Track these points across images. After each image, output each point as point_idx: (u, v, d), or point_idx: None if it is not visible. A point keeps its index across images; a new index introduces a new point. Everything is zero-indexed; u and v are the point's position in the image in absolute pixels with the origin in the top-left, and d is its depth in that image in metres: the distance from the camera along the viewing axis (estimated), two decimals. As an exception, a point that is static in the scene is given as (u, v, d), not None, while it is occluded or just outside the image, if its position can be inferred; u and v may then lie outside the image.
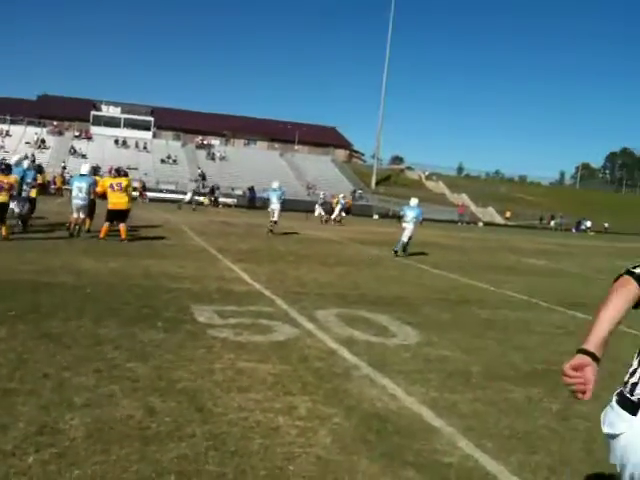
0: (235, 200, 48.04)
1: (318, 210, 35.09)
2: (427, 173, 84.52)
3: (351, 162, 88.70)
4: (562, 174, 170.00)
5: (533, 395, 5.10)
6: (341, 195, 37.05)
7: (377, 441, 3.85)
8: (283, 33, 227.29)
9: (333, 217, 32.67)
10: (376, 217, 48.22)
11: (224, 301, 7.89)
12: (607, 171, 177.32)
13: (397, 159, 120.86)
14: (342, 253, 16.01)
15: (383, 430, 4.03)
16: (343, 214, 33.62)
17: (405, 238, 16.57)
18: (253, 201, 46.24)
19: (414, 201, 17.74)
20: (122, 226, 13.93)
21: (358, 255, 15.91)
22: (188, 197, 39.04)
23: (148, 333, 5.95)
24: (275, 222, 20.47)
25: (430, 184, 79.25)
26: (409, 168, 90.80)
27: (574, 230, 58.68)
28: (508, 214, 63.04)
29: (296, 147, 78.55)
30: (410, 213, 16.97)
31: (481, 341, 6.93)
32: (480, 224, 53.77)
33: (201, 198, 41.57)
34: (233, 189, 51.72)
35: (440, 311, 8.60)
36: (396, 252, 16.36)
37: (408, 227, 16.71)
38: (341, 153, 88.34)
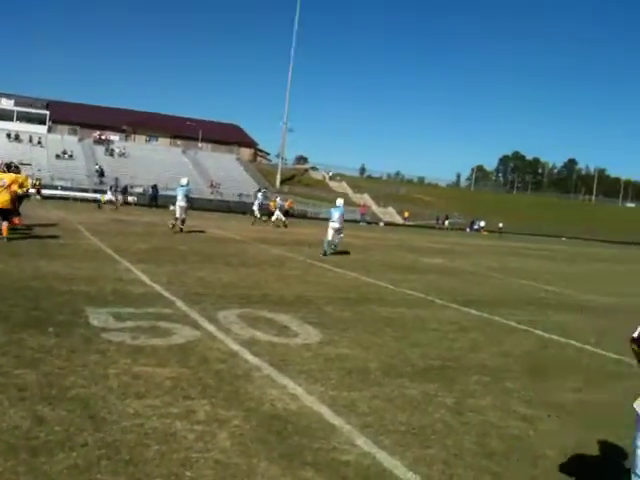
0: (135, 198, 46.64)
1: (256, 210, 34.58)
2: (331, 173, 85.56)
3: (256, 161, 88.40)
4: (458, 176, 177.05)
5: (429, 390, 5.27)
6: (278, 198, 36.96)
7: (277, 442, 3.85)
8: (187, 28, 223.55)
9: (273, 219, 32.54)
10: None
11: (121, 303, 7.64)
12: (500, 173, 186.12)
13: (301, 159, 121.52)
14: (246, 253, 15.91)
15: (283, 431, 4.04)
16: (282, 217, 33.47)
17: (330, 237, 17.51)
18: (155, 199, 45.08)
19: (340, 201, 18.67)
20: (4, 224, 13.13)
21: (261, 255, 15.86)
22: (108, 196, 37.75)
23: (38, 338, 5.65)
24: (178, 219, 20.29)
25: (333, 184, 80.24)
26: (313, 168, 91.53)
27: (469, 230, 61.17)
28: (406, 214, 64.87)
29: (199, 145, 77.29)
30: (336, 213, 17.87)
31: (380, 339, 7.09)
32: (381, 224, 54.99)
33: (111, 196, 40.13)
34: (132, 187, 50.17)
35: (341, 310, 8.73)
36: (325, 251, 17.15)
37: (335, 226, 17.58)
38: (246, 152, 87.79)
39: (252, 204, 35.82)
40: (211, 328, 6.75)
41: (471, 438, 4.26)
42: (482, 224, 62.89)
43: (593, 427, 4.74)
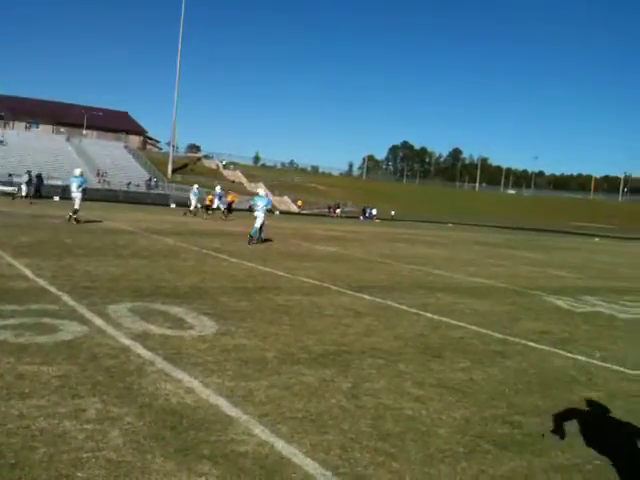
0: (16, 189, 43.99)
1: (193, 202, 33.63)
2: (224, 162, 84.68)
3: (146, 149, 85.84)
4: (350, 165, 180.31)
5: (325, 376, 5.33)
6: (218, 187, 36.15)
7: (172, 437, 3.76)
8: (69, 9, 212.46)
9: (210, 212, 32.33)
10: (173, 206, 47.13)
11: (2, 300, 7.17)
12: (389, 162, 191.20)
13: (194, 147, 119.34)
14: (137, 244, 15.40)
15: (179, 425, 3.95)
16: (222, 207, 33.05)
17: (258, 225, 18.57)
18: (39, 190, 42.67)
19: (262, 191, 20.26)
20: None
21: (154, 246, 15.42)
22: (24, 190, 35.61)
23: None
24: (75, 210, 19.84)
25: (227, 173, 79.48)
26: (206, 157, 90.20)
27: (362, 218, 62.47)
28: (300, 203, 65.35)
29: (84, 132, 74.03)
30: (260, 203, 19.00)
31: (277, 327, 7.09)
32: (277, 212, 55.03)
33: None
34: (10, 175, 47.28)
35: (237, 300, 8.65)
36: (251, 237, 18.31)
37: (260, 215, 18.66)
38: (135, 139, 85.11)
39: (188, 197, 35.35)
40: (100, 323, 6.49)
41: (367, 421, 4.34)
42: (374, 212, 64.42)
43: (480, 404, 4.97)
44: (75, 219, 19.78)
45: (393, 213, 66.69)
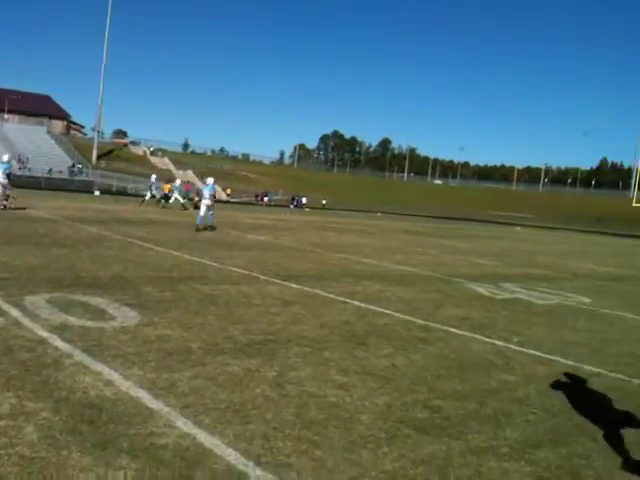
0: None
1: (149, 193, 33.66)
2: (152, 148, 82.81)
3: (69, 134, 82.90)
4: (282, 154, 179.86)
5: (251, 366, 5.31)
6: (178, 181, 36.05)
7: (90, 432, 3.66)
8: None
9: (170, 202, 32.24)
10: (97, 193, 45.79)
11: None
12: (321, 152, 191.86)
13: (120, 133, 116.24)
14: (59, 232, 14.88)
15: (97, 419, 3.85)
16: (181, 199, 32.75)
17: (202, 213, 19.67)
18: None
19: (210, 180, 20.97)
20: None
21: (77, 234, 14.93)
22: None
23: None
24: (9, 197, 19.99)
25: (155, 160, 77.80)
26: (133, 143, 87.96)
27: (292, 206, 62.51)
28: (229, 191, 64.76)
29: (5, 116, 70.81)
30: (206, 192, 20.13)
31: (203, 317, 7.01)
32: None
33: None
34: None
35: (162, 290, 8.50)
36: (204, 226, 19.40)
37: (207, 203, 19.76)
38: (58, 124, 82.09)
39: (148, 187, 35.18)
40: (17, 315, 6.23)
41: (290, 410, 4.36)
42: (304, 200, 64.53)
43: (402, 389, 5.08)
44: (2, 205, 19.53)
45: (324, 202, 67.01)
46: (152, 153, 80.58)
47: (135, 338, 5.82)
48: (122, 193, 52.28)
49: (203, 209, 19.65)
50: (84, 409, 3.98)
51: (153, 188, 33.77)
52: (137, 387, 4.49)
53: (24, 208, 20.79)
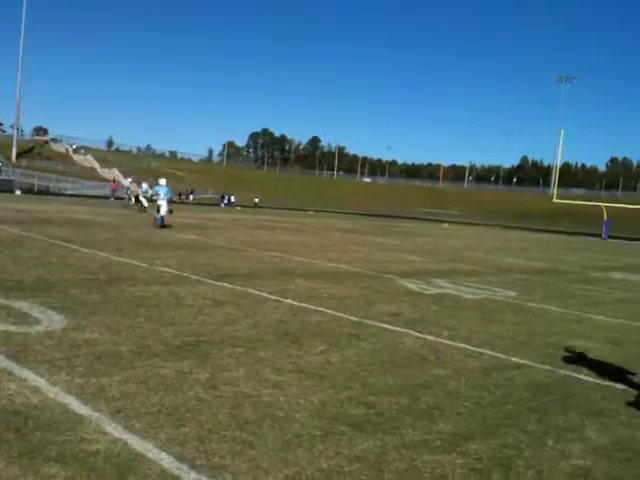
0: None
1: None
2: (75, 146, 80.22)
3: (-14, 131, 79.22)
4: (211, 151, 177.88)
5: (183, 368, 5.22)
6: (144, 184, 35.67)
7: (16, 440, 3.51)
8: None
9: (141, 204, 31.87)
10: (18, 193, 43.96)
11: None
12: (250, 149, 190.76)
13: (41, 130, 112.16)
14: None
15: (23, 427, 3.69)
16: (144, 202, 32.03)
17: (163, 212, 21.16)
18: None
19: (163, 181, 22.57)
20: None
21: (-5, 236, 14.28)
22: None
23: None
24: None
25: (78, 157, 75.46)
26: (54, 140, 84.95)
27: (222, 204, 61.87)
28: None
29: None
30: (162, 191, 21.47)
31: (132, 320, 6.84)
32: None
33: None
34: None
35: (89, 292, 8.24)
36: (161, 224, 20.88)
37: (163, 203, 21.26)
38: (-28, 121, 78.17)
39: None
40: None
41: (225, 411, 4.31)
42: (232, 199, 63.86)
43: (336, 386, 5.11)
44: None
45: (257, 200, 66.59)
46: (75, 151, 78.06)
47: (61, 343, 5.62)
48: (44, 192, 50.39)
49: (164, 208, 21.16)
50: (9, 417, 3.82)
51: (130, 190, 33.23)
52: (65, 393, 4.34)
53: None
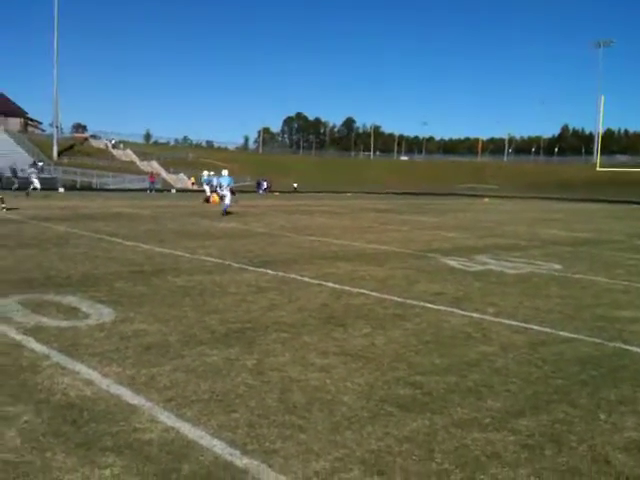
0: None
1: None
2: (114, 141, 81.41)
3: (27, 132, 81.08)
4: (246, 139, 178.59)
5: (230, 355, 5.30)
6: (205, 172, 36.61)
7: (73, 432, 3.63)
8: None
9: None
10: (62, 190, 44.92)
11: None
12: (285, 134, 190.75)
13: (80, 127, 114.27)
14: (24, 233, 14.61)
15: (79, 419, 3.81)
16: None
17: (228, 201, 23.21)
18: None
19: (225, 172, 24.61)
20: None
21: (44, 234, 14.65)
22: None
23: None
24: None
25: (118, 152, 76.60)
26: (93, 136, 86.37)
27: (261, 191, 62.06)
28: (193, 179, 63.99)
29: (-42, 117, 68.94)
30: (225, 182, 23.56)
31: (178, 309, 6.97)
32: (173, 191, 53.83)
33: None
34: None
35: (135, 284, 8.41)
36: (224, 212, 22.71)
37: (227, 193, 23.32)
38: (15, 122, 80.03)
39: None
40: (-12, 320, 6.13)
41: (273, 396, 4.37)
42: (265, 184, 63.50)
43: (382, 368, 5.12)
44: None
45: (295, 185, 66.57)
46: (114, 146, 79.25)
47: (111, 335, 5.76)
48: (87, 188, 51.39)
49: (228, 198, 23.29)
50: (65, 410, 3.94)
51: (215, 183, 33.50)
52: (117, 384, 4.46)
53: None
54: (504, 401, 4.48)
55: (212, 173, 37.69)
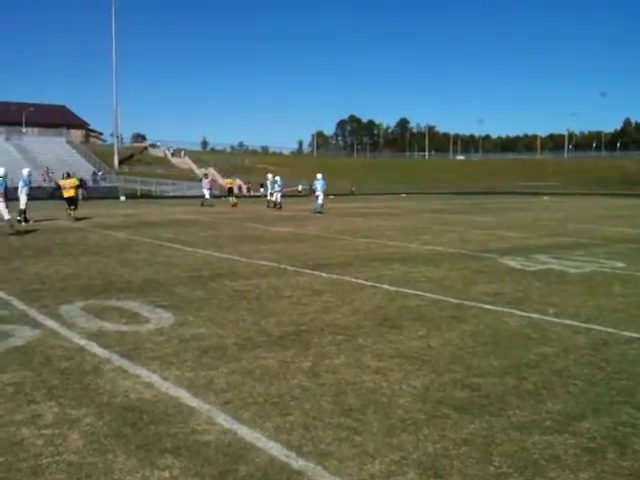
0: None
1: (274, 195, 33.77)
2: (172, 149, 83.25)
3: (89, 142, 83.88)
4: (300, 143, 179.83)
5: (286, 357, 5.34)
6: (276, 176, 35.73)
7: (133, 434, 3.73)
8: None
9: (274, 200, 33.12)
10: (123, 198, 46.20)
11: (-53, 310, 6.96)
12: (339, 137, 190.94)
13: (139, 137, 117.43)
14: (87, 240, 15.10)
15: (139, 422, 3.91)
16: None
17: (320, 201, 26.96)
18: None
19: (319, 175, 28.15)
20: None
21: (105, 241, 15.13)
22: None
23: None
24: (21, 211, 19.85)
25: (176, 160, 78.35)
26: (152, 145, 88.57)
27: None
28: (246, 185, 64.80)
29: (24, 129, 71.79)
30: (319, 185, 27.57)
31: (235, 313, 7.06)
32: (231, 199, 54.41)
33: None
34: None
35: (193, 289, 8.57)
36: (319, 212, 26.18)
37: (320, 195, 27.26)
38: (77, 133, 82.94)
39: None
40: (53, 325, 6.36)
41: (328, 398, 4.38)
42: (300, 187, 63.21)
43: (438, 370, 5.06)
44: (19, 220, 19.34)
45: (353, 189, 66.54)
46: (173, 154, 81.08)
47: (171, 339, 5.89)
48: (147, 196, 52.71)
49: (321, 199, 27.07)
50: (126, 412, 4.05)
51: (269, 187, 33.75)
52: (176, 387, 4.55)
53: (48, 220, 21.14)
54: (565, 403, 4.36)
55: (275, 176, 36.98)
